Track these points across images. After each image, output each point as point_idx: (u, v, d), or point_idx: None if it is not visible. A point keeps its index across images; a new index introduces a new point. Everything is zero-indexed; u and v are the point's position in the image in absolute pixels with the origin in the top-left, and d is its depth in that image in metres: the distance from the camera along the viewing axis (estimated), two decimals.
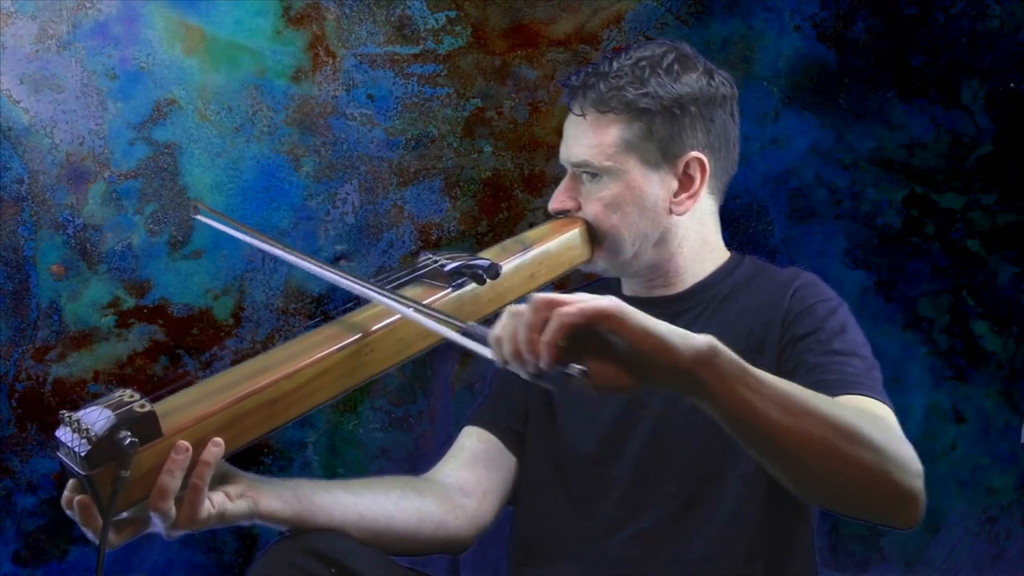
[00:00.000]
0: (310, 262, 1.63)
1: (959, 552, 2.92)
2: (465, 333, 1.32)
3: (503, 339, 1.24)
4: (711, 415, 1.29)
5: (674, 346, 1.22)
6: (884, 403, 1.54)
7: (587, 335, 1.21)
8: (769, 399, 1.27)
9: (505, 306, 1.67)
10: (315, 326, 1.55)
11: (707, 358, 1.24)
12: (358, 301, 1.57)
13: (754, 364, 1.54)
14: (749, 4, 2.93)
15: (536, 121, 2.92)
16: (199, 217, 1.73)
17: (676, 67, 1.74)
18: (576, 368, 1.19)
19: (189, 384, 1.42)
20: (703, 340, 1.24)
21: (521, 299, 1.73)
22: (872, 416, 1.45)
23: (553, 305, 1.20)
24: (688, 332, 1.24)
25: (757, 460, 1.35)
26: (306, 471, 2.87)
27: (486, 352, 1.28)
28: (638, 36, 2.91)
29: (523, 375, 1.24)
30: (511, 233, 1.80)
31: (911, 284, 2.94)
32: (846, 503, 1.38)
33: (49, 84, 2.78)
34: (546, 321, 1.20)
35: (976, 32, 2.90)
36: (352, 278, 1.53)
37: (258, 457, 2.85)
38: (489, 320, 1.70)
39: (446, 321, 1.37)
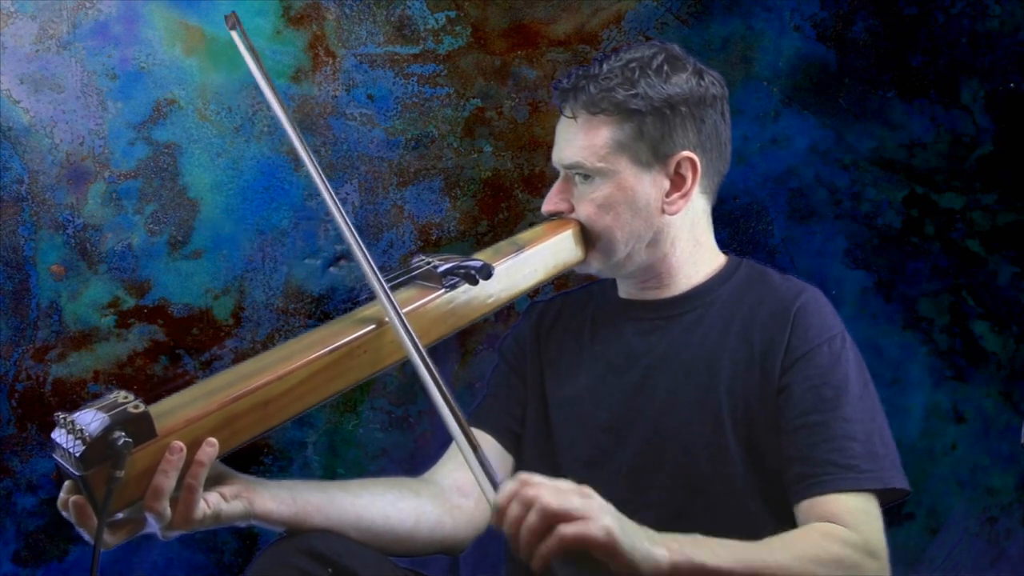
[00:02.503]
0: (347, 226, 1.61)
1: (959, 552, 2.92)
2: (481, 464, 1.42)
3: (506, 519, 1.37)
4: None
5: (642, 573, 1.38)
6: (867, 491, 1.61)
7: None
8: None
9: (498, 307, 1.68)
10: (315, 326, 1.56)
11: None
12: (357, 301, 1.57)
13: (758, 383, 1.67)
14: (749, 4, 2.93)
15: (536, 121, 2.92)
16: (233, 32, 1.65)
17: (666, 68, 1.74)
18: None
19: (189, 384, 1.42)
20: (663, 558, 1.40)
21: (515, 300, 1.75)
22: (838, 559, 1.54)
23: (558, 519, 1.33)
24: (654, 543, 1.41)
25: None
26: (306, 471, 2.87)
27: (488, 495, 1.40)
28: (638, 36, 2.91)
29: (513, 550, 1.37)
30: (511, 233, 1.81)
31: (911, 284, 2.94)
32: None
33: (49, 84, 2.78)
34: (548, 529, 1.33)
35: (976, 32, 2.90)
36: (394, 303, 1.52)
37: (258, 457, 2.85)
38: (488, 319, 1.71)
39: (470, 438, 1.45)
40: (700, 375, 1.72)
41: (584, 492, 1.37)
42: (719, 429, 1.68)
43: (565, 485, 1.37)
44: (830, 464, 1.59)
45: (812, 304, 1.74)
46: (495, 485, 1.38)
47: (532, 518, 1.33)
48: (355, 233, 1.55)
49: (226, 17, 1.65)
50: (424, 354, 1.47)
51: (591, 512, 1.34)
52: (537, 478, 1.36)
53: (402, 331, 1.48)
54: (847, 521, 1.57)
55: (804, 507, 1.61)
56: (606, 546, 1.34)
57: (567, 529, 1.32)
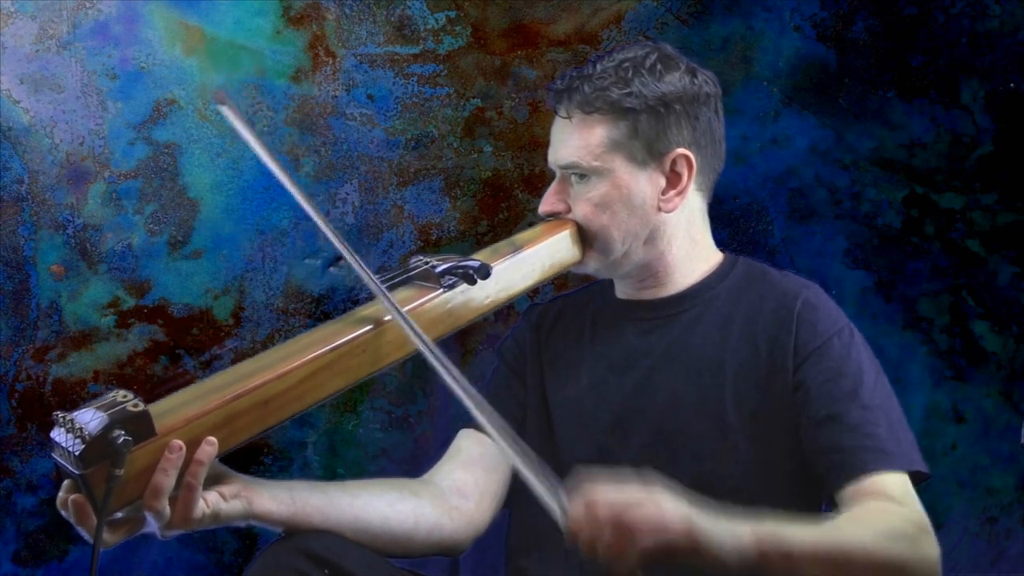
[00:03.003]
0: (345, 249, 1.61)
1: (959, 552, 2.92)
2: (540, 478, 1.41)
3: (581, 538, 1.34)
4: None
5: (729, 565, 1.37)
6: (902, 472, 1.61)
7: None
8: (815, 561, 1.42)
9: (496, 308, 1.69)
10: (315, 326, 1.56)
11: (754, 562, 1.38)
12: (357, 300, 1.57)
13: (765, 382, 1.67)
14: (749, 4, 2.93)
15: (536, 121, 2.92)
16: (223, 108, 1.68)
17: (659, 67, 1.75)
18: None
19: (188, 384, 1.42)
20: (750, 546, 1.38)
21: (514, 301, 1.75)
22: (903, 532, 1.52)
23: (633, 531, 1.32)
24: (738, 536, 1.39)
25: None
26: (306, 471, 2.87)
27: (555, 514, 1.38)
28: (638, 36, 2.91)
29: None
30: (511, 233, 1.81)
31: (911, 284, 2.94)
32: None
33: (49, 84, 2.78)
34: (626, 541, 1.32)
35: (976, 32, 2.90)
36: (389, 297, 1.52)
37: (258, 457, 2.85)
38: (488, 319, 1.71)
39: (524, 452, 1.44)
40: (703, 375, 1.72)
41: (651, 489, 1.37)
42: (724, 428, 1.68)
43: (630, 487, 1.37)
44: (862, 450, 1.60)
45: (815, 300, 1.74)
46: (559, 501, 1.38)
47: (607, 535, 1.33)
48: (347, 246, 1.54)
49: (214, 93, 1.67)
50: (439, 354, 1.47)
51: (666, 516, 1.35)
52: (600, 489, 1.35)
53: (410, 331, 1.47)
54: (896, 498, 1.57)
55: (848, 492, 1.60)
56: (688, 548, 1.35)
57: (646, 540, 1.33)
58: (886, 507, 1.56)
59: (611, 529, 1.32)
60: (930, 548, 1.51)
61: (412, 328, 1.48)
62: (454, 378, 1.44)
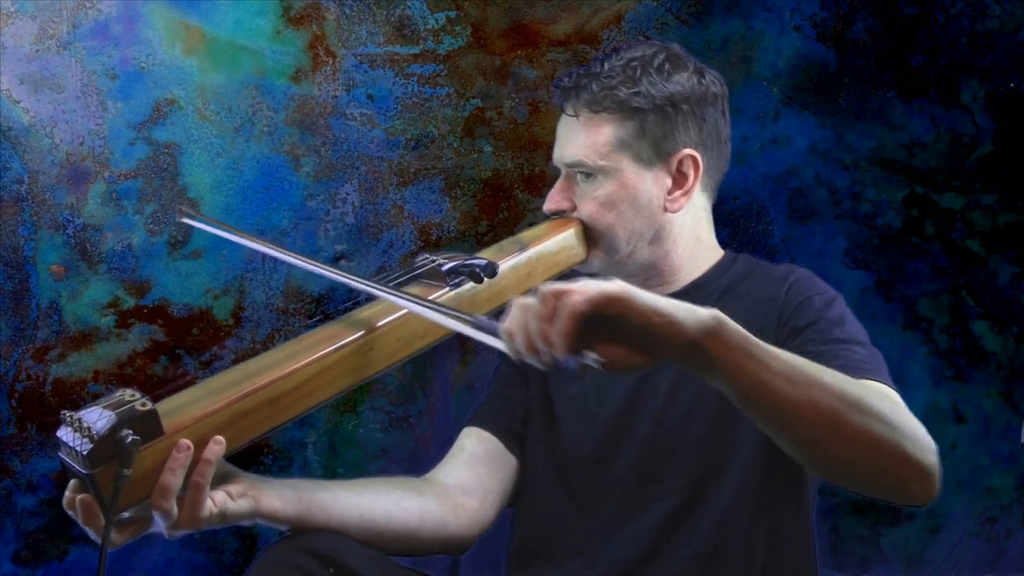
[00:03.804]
0: (308, 262, 1.64)
1: (959, 552, 2.93)
2: (476, 326, 1.32)
3: (515, 332, 1.25)
4: (722, 390, 1.30)
5: (681, 321, 1.23)
6: (892, 387, 1.54)
7: (595, 319, 1.22)
8: (776, 371, 1.28)
9: (502, 305, 1.68)
10: (315, 326, 1.56)
11: (713, 329, 1.25)
12: (358, 300, 1.57)
13: None
14: (749, 4, 2.93)
15: (536, 121, 2.93)
16: (185, 220, 1.73)
17: (667, 66, 1.75)
18: (592, 357, 1.21)
19: (190, 384, 1.42)
20: (708, 313, 1.25)
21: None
22: (880, 392, 1.46)
23: (561, 295, 1.21)
24: (693, 306, 1.25)
25: (768, 434, 1.37)
26: (306, 471, 2.87)
27: (498, 344, 1.28)
28: (638, 36, 2.92)
29: (539, 366, 1.25)
30: (511, 233, 1.81)
31: (911, 284, 2.94)
32: (860, 478, 1.39)
33: (49, 84, 2.78)
34: (555, 311, 1.21)
35: (976, 32, 2.90)
36: (353, 277, 1.53)
37: (258, 457, 2.85)
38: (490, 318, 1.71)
39: (455, 315, 1.37)
40: None
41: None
42: (723, 417, 1.68)
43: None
44: (847, 369, 1.50)
45: (805, 278, 1.76)
46: (494, 331, 1.29)
47: (536, 307, 1.23)
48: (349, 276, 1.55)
49: (179, 209, 1.74)
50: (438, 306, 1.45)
51: (593, 281, 1.23)
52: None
53: (418, 306, 1.46)
54: (891, 397, 1.50)
55: None
56: (626, 298, 1.21)
57: (575, 298, 1.20)
58: (876, 384, 1.51)
59: (541, 300, 1.22)
60: (920, 429, 1.38)
61: (426, 304, 1.46)
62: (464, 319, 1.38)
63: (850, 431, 1.31)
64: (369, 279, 1.55)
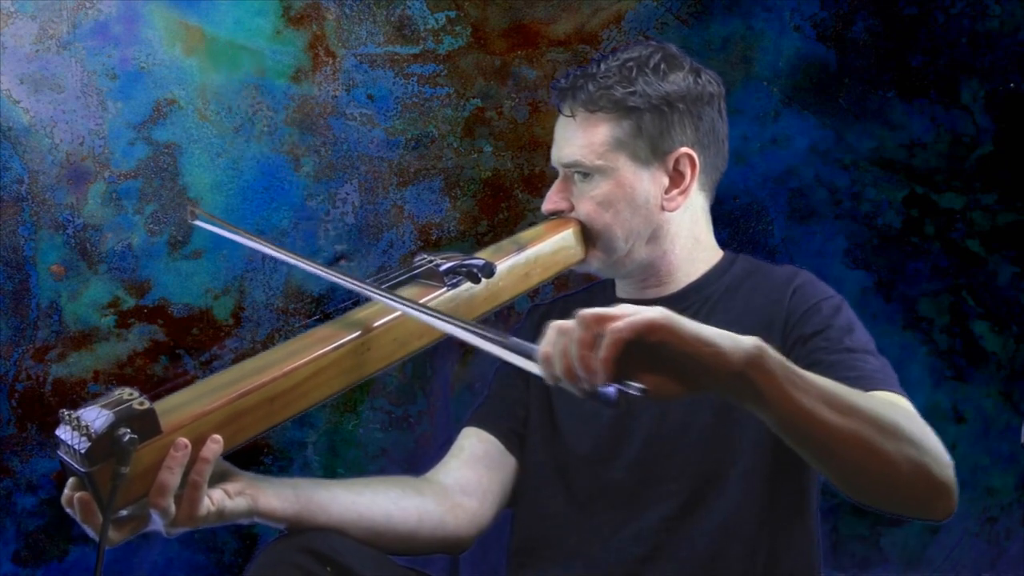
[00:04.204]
0: (313, 266, 1.64)
1: (959, 552, 2.93)
2: (510, 349, 1.30)
3: (553, 358, 1.23)
4: (762, 418, 1.29)
5: (724, 351, 1.21)
6: (905, 397, 1.54)
7: (635, 345, 1.19)
8: (817, 397, 1.27)
9: (500, 306, 1.68)
10: (314, 326, 1.56)
11: (757, 358, 1.23)
12: (358, 300, 1.57)
13: None
14: (749, 4, 2.93)
15: (536, 121, 2.93)
16: (197, 222, 1.74)
17: (663, 66, 1.76)
18: (635, 386, 1.19)
19: (188, 384, 1.42)
20: (751, 342, 1.23)
21: (516, 300, 1.75)
22: (905, 411, 1.46)
23: (603, 321, 1.19)
24: (736, 335, 1.23)
25: (807, 460, 1.36)
26: (306, 471, 2.87)
27: (534, 369, 1.26)
28: (638, 36, 2.92)
29: (576, 393, 1.24)
30: (511, 233, 1.81)
31: (911, 284, 2.94)
32: (890, 499, 1.39)
33: (49, 84, 2.78)
34: (596, 337, 1.19)
35: (976, 32, 2.90)
36: (364, 284, 1.52)
37: (258, 457, 2.85)
38: (487, 319, 1.71)
39: (489, 337, 1.34)
40: None
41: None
42: (724, 418, 1.68)
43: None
44: (858, 380, 1.51)
45: (808, 282, 1.76)
46: (529, 354, 1.26)
47: (576, 332, 1.20)
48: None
49: (190, 211, 1.75)
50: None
51: (635, 308, 1.21)
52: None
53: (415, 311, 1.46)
54: (904, 408, 1.50)
55: None
56: (670, 326, 1.19)
57: (618, 324, 1.18)
58: (894, 399, 1.51)
59: (582, 325, 1.20)
60: (940, 446, 1.38)
61: (421, 308, 1.47)
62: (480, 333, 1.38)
63: (886, 456, 1.31)
64: (366, 280, 1.56)
